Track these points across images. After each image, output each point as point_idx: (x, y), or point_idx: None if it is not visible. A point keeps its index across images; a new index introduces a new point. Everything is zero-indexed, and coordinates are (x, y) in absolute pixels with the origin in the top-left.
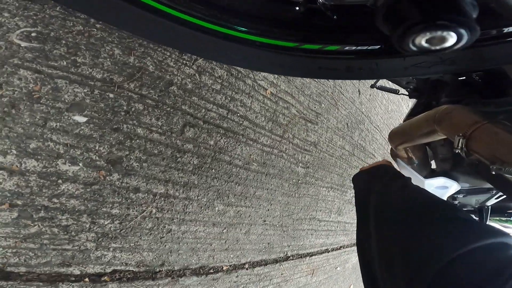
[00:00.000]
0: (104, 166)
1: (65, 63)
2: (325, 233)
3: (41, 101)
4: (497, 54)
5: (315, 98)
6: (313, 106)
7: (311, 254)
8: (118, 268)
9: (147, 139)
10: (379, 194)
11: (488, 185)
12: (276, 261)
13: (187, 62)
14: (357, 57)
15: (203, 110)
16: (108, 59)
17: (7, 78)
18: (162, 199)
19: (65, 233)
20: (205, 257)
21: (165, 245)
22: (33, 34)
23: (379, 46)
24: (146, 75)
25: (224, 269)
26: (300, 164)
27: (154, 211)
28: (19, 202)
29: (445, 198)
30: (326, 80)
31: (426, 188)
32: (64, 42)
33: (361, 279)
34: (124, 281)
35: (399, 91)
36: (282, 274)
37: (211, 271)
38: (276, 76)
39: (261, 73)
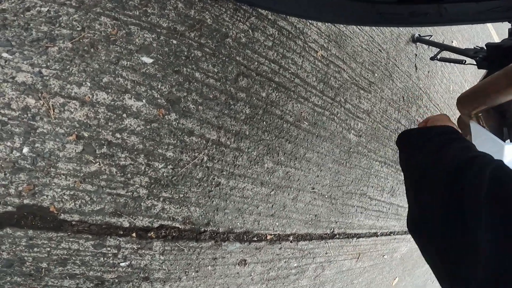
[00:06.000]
0: (164, 105)
1: (137, 12)
2: (376, 214)
3: (116, 43)
4: None
5: (367, 66)
6: (365, 74)
7: (358, 236)
8: (165, 223)
9: (204, 83)
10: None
11: None
12: (321, 237)
13: (241, 19)
14: (423, 1)
15: (256, 63)
16: (172, 11)
17: (89, 23)
18: (214, 146)
19: (122, 174)
20: (250, 221)
21: (213, 201)
22: None
23: None
24: (205, 27)
25: (268, 238)
26: (352, 131)
27: (205, 159)
28: (85, 134)
29: None
30: (379, 49)
31: (505, 156)
32: None
33: (408, 272)
34: (169, 239)
35: (465, 61)
36: (326, 253)
37: (255, 238)
38: (326, 40)
39: (312, 35)
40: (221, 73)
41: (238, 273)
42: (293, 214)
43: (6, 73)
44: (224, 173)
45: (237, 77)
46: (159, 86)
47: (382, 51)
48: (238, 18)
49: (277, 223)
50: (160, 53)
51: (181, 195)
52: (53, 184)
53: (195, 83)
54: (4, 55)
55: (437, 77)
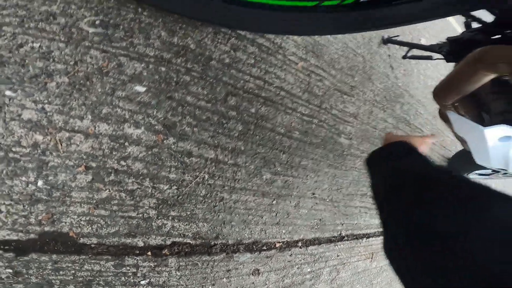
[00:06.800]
0: (161, 130)
1: (124, 44)
2: None
3: (109, 75)
4: None
5: (346, 71)
6: (346, 79)
7: (367, 236)
8: (177, 240)
9: (196, 106)
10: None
11: None
12: (330, 240)
13: (222, 41)
14: (374, 7)
15: (242, 81)
16: (157, 40)
17: (81, 57)
18: (213, 164)
19: (131, 198)
20: (257, 231)
21: (219, 215)
22: (97, 22)
23: None
24: (189, 52)
25: (277, 246)
26: (343, 135)
27: (206, 177)
28: (93, 164)
29: (510, 154)
30: (354, 54)
31: (487, 141)
32: (121, 27)
33: None
34: (182, 255)
35: (432, 57)
36: (338, 256)
37: (264, 247)
38: (304, 51)
39: (290, 49)
40: (211, 95)
41: (253, 283)
42: (298, 220)
43: (12, 111)
44: (226, 188)
45: (226, 96)
46: (154, 113)
47: (358, 55)
48: (219, 40)
49: (283, 231)
50: (152, 81)
51: (188, 213)
52: (70, 211)
53: (187, 107)
54: (8, 93)
55: (414, 74)
